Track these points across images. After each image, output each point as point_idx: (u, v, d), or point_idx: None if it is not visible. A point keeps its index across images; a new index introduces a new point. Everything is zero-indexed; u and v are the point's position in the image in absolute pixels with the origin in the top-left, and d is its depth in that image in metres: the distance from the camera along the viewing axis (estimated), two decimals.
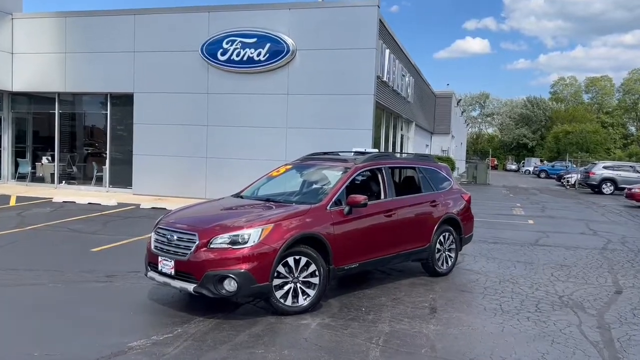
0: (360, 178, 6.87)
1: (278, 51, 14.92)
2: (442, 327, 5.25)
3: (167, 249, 5.52)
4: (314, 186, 6.70)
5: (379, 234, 6.44)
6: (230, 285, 5.16)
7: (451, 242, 7.56)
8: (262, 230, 5.29)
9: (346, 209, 6.01)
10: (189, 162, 16.04)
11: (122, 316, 5.39)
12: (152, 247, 5.72)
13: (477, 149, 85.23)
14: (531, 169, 60.31)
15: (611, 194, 26.81)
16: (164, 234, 5.61)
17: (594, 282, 7.38)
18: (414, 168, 7.48)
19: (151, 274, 5.68)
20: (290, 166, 7.22)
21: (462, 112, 53.89)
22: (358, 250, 6.18)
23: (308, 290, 5.58)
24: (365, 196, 6.06)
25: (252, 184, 7.13)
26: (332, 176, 6.54)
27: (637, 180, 26.23)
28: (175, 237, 5.48)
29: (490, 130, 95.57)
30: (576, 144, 66.06)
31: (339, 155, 7.45)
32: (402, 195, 6.96)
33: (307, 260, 5.55)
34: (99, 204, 13.98)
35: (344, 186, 6.19)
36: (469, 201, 8.03)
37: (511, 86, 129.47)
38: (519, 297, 6.42)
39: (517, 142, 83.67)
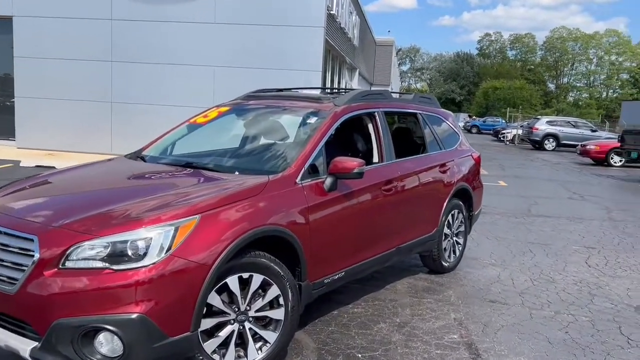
0: (342, 130, 4.32)
1: None
2: None
3: None
4: (268, 142, 4.06)
5: (376, 219, 3.97)
6: (109, 346, 2.52)
7: (460, 222, 5.25)
8: (176, 229, 2.64)
9: (328, 181, 3.45)
10: (90, 108, 12.65)
11: None
12: None
13: None
14: (462, 124, 60.15)
15: (553, 149, 26.00)
16: None
17: None
18: (415, 115, 4.97)
19: None
20: (226, 108, 4.44)
21: (399, 64, 52.05)
22: (345, 249, 3.70)
23: (266, 334, 3.04)
24: (361, 160, 3.51)
25: (161, 137, 4.33)
26: (298, 125, 3.92)
27: (579, 136, 25.60)
28: None
29: (419, 85, 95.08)
30: (504, 100, 66.82)
31: (301, 93, 4.81)
32: (402, 157, 4.47)
33: (263, 280, 2.99)
34: None
35: (322, 142, 3.60)
36: (479, 163, 5.70)
37: (437, 42, 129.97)
38: (580, 312, 4.24)
39: (445, 97, 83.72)
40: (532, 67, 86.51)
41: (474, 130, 50.43)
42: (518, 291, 4.70)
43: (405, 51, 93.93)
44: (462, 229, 5.30)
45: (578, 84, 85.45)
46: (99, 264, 2.53)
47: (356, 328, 3.74)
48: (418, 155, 4.76)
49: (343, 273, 3.66)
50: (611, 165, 18.22)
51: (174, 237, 2.61)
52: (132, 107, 12.47)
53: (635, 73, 75.90)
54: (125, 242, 2.56)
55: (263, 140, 4.07)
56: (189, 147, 4.16)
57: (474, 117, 63.34)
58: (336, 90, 4.81)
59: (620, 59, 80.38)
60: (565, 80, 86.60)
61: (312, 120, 3.81)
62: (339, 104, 3.99)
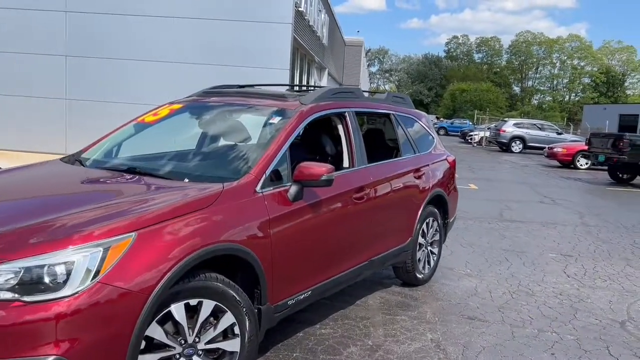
0: (310, 132, 3.92)
1: None
2: None
3: None
4: (225, 144, 3.62)
5: (346, 230, 3.58)
6: None
7: (435, 231, 4.92)
8: (106, 249, 2.19)
9: (293, 189, 3.04)
10: (43, 105, 11.87)
11: None
12: None
13: None
14: None
15: (520, 152, 26.22)
16: None
17: (625, 282, 5.17)
18: (388, 116, 4.59)
19: None
20: (179, 106, 3.96)
21: (368, 65, 52.03)
22: (312, 265, 3.29)
23: None
24: (331, 165, 3.11)
25: (104, 137, 3.82)
26: (260, 126, 3.49)
27: (545, 139, 25.89)
28: None
29: (387, 87, 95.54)
30: (471, 102, 67.75)
31: (265, 90, 4.37)
32: (375, 161, 4.10)
33: (215, 307, 2.56)
34: None
35: (286, 145, 3.18)
36: (454, 167, 5.38)
37: (406, 44, 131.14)
38: (565, 330, 3.94)
39: (413, 99, 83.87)
40: (498, 70, 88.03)
41: (442, 132, 50.73)
42: (497, 305, 4.38)
43: (374, 52, 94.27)
44: (437, 237, 4.96)
45: (542, 88, 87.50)
46: (8, 295, 2.05)
47: (324, 353, 3.34)
48: (391, 160, 4.40)
49: (309, 292, 3.26)
50: (578, 168, 18.38)
51: (103, 259, 2.16)
52: (90, 105, 11.76)
53: (596, 77, 78.06)
54: (42, 267, 2.09)
55: (219, 143, 3.64)
56: (134, 149, 3.67)
57: (441, 118, 63.87)
58: (304, 88, 4.38)
59: (582, 64, 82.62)
60: (530, 83, 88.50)
61: (276, 120, 3.39)
62: (306, 103, 3.58)
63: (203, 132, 3.81)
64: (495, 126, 29.50)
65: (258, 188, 2.89)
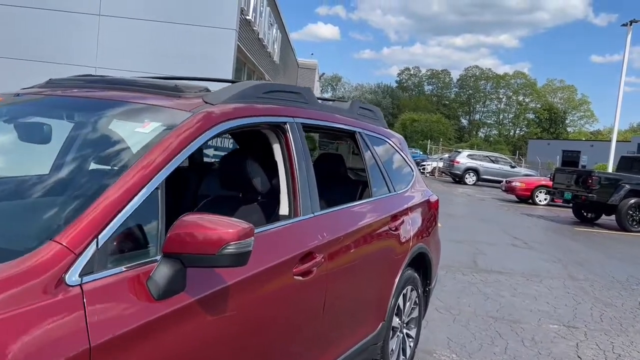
0: (232, 153, 2.36)
1: None
2: None
3: None
4: (34, 174, 1.94)
5: (281, 332, 1.99)
6: None
7: (414, 304, 3.40)
8: None
9: (161, 273, 1.43)
10: None
11: None
12: None
13: None
14: None
15: (473, 184, 25.52)
16: None
17: None
18: (353, 135, 3.04)
19: None
20: None
21: (321, 91, 51.23)
22: None
23: None
24: (247, 225, 1.52)
25: None
26: (117, 142, 1.86)
27: (498, 171, 25.32)
28: None
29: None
30: (421, 132, 68.36)
31: (155, 81, 2.70)
32: (332, 205, 2.55)
33: None
34: None
35: (158, 177, 1.57)
36: (437, 211, 3.91)
37: (359, 74, 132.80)
38: None
39: None
40: (447, 102, 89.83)
41: None
42: None
43: (328, 79, 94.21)
44: (415, 314, 3.44)
45: (489, 121, 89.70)
46: None
47: None
48: (357, 203, 2.85)
49: None
50: (536, 204, 17.56)
51: None
52: None
53: (540, 113, 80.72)
54: None
55: (26, 169, 1.98)
56: None
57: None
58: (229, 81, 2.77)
59: (527, 100, 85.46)
60: (477, 117, 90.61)
61: (148, 129, 1.79)
62: (214, 103, 2.01)
63: (3, 147, 2.14)
64: (449, 157, 28.83)
65: (69, 275, 1.27)
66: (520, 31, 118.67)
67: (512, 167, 26.53)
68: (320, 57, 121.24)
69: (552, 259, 8.00)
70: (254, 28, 12.89)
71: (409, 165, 3.66)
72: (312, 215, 2.29)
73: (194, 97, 2.10)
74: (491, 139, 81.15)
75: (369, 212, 2.79)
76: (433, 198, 3.85)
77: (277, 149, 2.33)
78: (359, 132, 3.04)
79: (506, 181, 19.20)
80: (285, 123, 2.31)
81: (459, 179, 25.94)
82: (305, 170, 2.32)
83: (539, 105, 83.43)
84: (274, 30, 16.93)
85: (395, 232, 2.96)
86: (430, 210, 3.67)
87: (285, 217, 2.22)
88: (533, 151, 52.19)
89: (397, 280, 2.99)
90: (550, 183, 14.95)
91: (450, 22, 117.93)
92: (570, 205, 13.66)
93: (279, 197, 2.30)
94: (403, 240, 3.05)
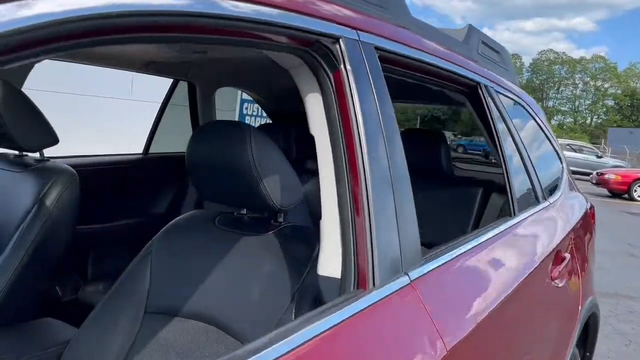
0: None
1: None
2: None
3: None
4: None
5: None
6: None
7: None
8: None
9: None
10: None
11: None
12: None
13: None
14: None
15: None
16: None
17: None
18: (474, 90, 1.59)
19: None
20: None
21: None
22: None
23: None
24: None
25: None
26: None
27: (583, 162, 22.63)
28: None
29: None
30: None
31: None
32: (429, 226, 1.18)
33: None
34: None
35: None
36: (594, 223, 2.42)
37: None
38: None
39: (430, 115, 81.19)
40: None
41: (460, 149, 47.81)
42: None
43: None
44: None
45: (563, 108, 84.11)
46: None
47: None
48: (492, 225, 1.44)
49: None
50: (634, 200, 15.26)
51: None
52: None
53: (620, 100, 74.74)
54: None
55: None
56: None
57: (459, 136, 60.90)
58: None
59: (606, 85, 79.32)
60: (551, 103, 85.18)
61: None
62: None
63: None
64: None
65: None
66: (596, 13, 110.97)
67: (599, 157, 23.83)
68: None
69: None
70: None
71: (555, 150, 2.18)
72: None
73: None
74: (564, 127, 76.11)
75: (518, 250, 1.38)
76: (588, 205, 2.36)
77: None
78: (486, 86, 1.60)
79: (597, 173, 16.91)
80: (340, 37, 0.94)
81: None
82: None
83: (619, 91, 77.11)
84: None
85: (559, 286, 1.52)
86: (590, 228, 2.20)
87: None
88: (614, 140, 47.77)
89: None
90: None
91: (520, 5, 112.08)
92: None
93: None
94: (572, 293, 1.62)
